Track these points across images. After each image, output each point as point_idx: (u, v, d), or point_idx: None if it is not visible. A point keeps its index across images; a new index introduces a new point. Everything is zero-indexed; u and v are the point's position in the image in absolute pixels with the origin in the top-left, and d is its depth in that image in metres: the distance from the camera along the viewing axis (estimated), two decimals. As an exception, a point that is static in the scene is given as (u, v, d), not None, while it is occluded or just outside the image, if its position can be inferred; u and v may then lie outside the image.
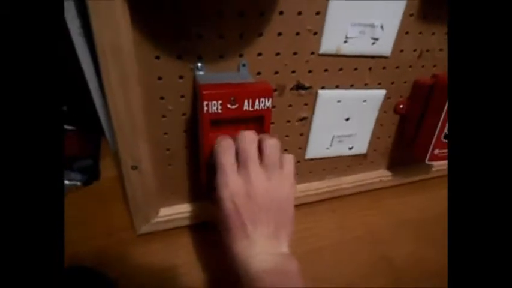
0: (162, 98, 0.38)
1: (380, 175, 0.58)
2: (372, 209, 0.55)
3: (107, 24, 0.30)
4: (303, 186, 0.53)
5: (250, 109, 0.33)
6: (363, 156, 0.55)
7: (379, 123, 0.52)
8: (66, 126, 0.51)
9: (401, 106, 0.51)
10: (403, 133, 0.54)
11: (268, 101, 0.34)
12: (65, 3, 0.41)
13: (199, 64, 0.37)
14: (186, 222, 0.48)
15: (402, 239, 0.50)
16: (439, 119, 0.45)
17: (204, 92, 0.32)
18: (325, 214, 0.53)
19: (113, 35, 0.31)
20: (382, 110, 0.50)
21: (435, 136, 0.46)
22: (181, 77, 0.37)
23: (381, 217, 0.54)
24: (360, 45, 0.42)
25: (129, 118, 0.36)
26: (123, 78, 0.34)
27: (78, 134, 0.52)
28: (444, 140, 0.47)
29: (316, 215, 0.53)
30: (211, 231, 0.48)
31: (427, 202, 0.57)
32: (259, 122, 0.36)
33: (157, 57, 0.35)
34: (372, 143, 0.53)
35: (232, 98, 0.32)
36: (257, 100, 0.33)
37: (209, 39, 0.36)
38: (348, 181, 0.55)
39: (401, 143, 0.55)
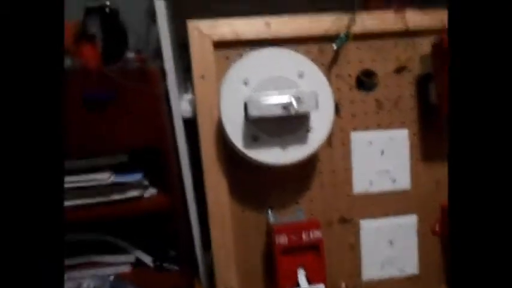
0: (246, 236, 0.55)
1: (441, 295, 0.61)
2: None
3: (217, 199, 0.52)
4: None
5: (307, 239, 0.49)
6: (416, 277, 0.61)
7: (422, 244, 0.61)
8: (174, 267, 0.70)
9: (436, 229, 0.61)
10: (448, 252, 0.61)
11: (318, 232, 0.49)
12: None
13: (269, 212, 0.55)
14: None
15: None
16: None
17: (276, 229, 0.49)
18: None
19: (219, 204, 0.53)
20: (421, 232, 0.60)
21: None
22: (258, 223, 0.55)
23: None
24: (383, 186, 0.58)
25: (226, 253, 0.54)
26: (223, 228, 0.53)
27: (181, 274, 0.69)
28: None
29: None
30: None
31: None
32: (316, 249, 0.50)
33: (243, 211, 0.55)
34: (422, 264, 0.61)
35: (294, 232, 0.49)
36: (310, 232, 0.49)
37: (275, 196, 0.55)
38: (409, 303, 0.60)
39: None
